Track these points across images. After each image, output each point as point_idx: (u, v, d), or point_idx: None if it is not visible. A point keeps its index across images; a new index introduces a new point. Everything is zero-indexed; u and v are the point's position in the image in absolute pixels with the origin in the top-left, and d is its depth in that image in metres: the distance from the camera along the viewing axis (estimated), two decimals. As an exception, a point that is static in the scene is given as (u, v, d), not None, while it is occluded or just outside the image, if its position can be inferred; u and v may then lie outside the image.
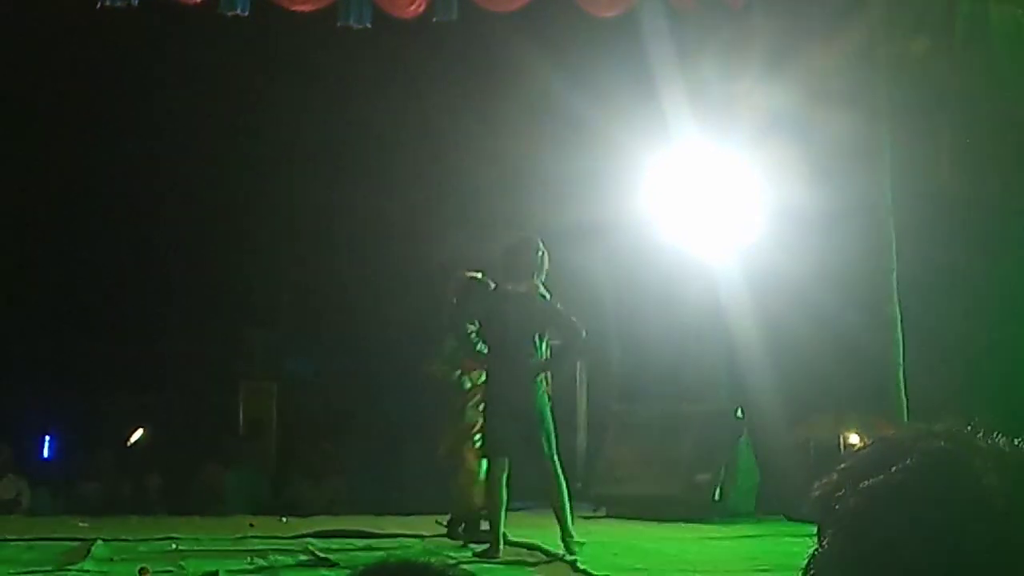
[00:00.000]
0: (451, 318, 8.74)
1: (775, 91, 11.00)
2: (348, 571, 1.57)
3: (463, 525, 9.00)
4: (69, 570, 7.45)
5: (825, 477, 1.28)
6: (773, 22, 11.20)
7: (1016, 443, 1.21)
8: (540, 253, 8.36)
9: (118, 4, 10.00)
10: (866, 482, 1.19)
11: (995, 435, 1.22)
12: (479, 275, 8.87)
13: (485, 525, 8.59)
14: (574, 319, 8.27)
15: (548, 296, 8.37)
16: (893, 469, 1.19)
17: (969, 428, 1.23)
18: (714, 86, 11.46)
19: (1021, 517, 1.13)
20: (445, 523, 9.21)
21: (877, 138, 10.46)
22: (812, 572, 1.22)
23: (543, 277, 8.37)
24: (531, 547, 8.37)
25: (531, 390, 8.17)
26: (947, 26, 10.84)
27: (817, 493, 1.26)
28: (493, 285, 8.71)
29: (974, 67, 10.89)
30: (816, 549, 1.23)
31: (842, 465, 1.27)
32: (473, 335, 8.49)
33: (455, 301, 8.83)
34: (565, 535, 8.15)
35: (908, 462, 1.19)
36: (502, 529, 8.24)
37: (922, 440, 1.21)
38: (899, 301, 10.14)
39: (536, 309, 8.23)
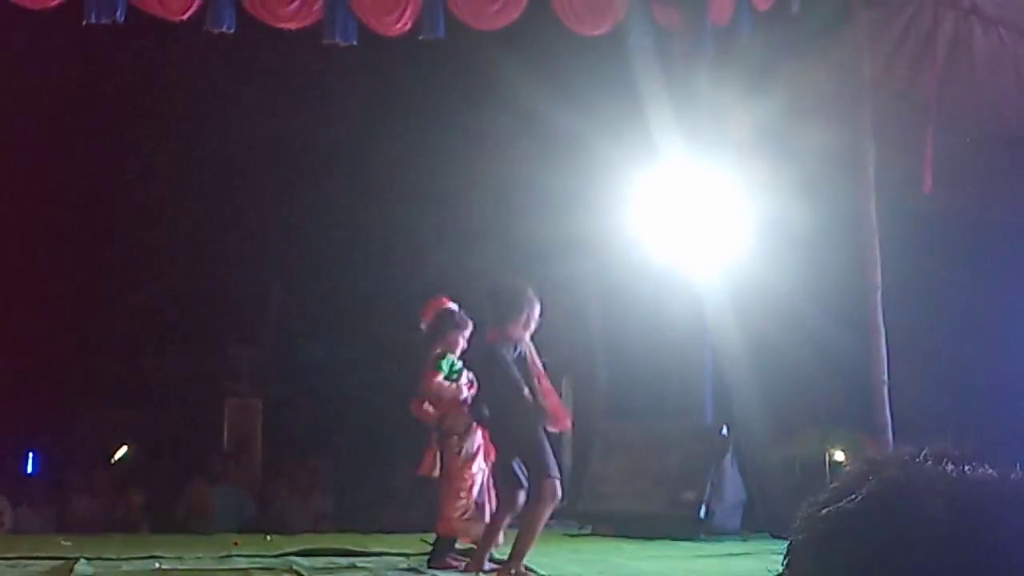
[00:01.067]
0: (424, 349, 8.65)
1: (761, 107, 11.04)
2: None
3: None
4: (51, 589, 7.40)
5: (812, 497, 1.30)
6: (759, 39, 11.23)
7: (964, 470, 1.24)
8: (522, 300, 8.17)
9: (103, 21, 9.99)
10: (824, 510, 1.23)
11: (945, 462, 1.25)
12: (455, 307, 8.73)
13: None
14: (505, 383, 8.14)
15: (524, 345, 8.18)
16: (848, 498, 1.23)
17: (921, 455, 1.26)
18: (700, 102, 11.49)
19: (964, 542, 1.16)
20: (431, 543, 9.14)
21: (862, 154, 10.50)
22: None
23: (524, 325, 8.20)
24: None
25: (510, 433, 8.13)
26: (931, 42, 10.89)
27: (803, 513, 1.28)
28: (469, 321, 8.62)
29: (958, 83, 10.93)
30: (779, 572, 1.25)
31: (832, 485, 1.28)
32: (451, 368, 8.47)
33: (422, 327, 8.70)
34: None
35: (863, 490, 1.22)
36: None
37: (877, 468, 1.25)
38: (885, 317, 10.15)
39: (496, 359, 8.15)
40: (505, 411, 8.10)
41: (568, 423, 8.48)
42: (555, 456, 8.22)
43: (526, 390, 7.98)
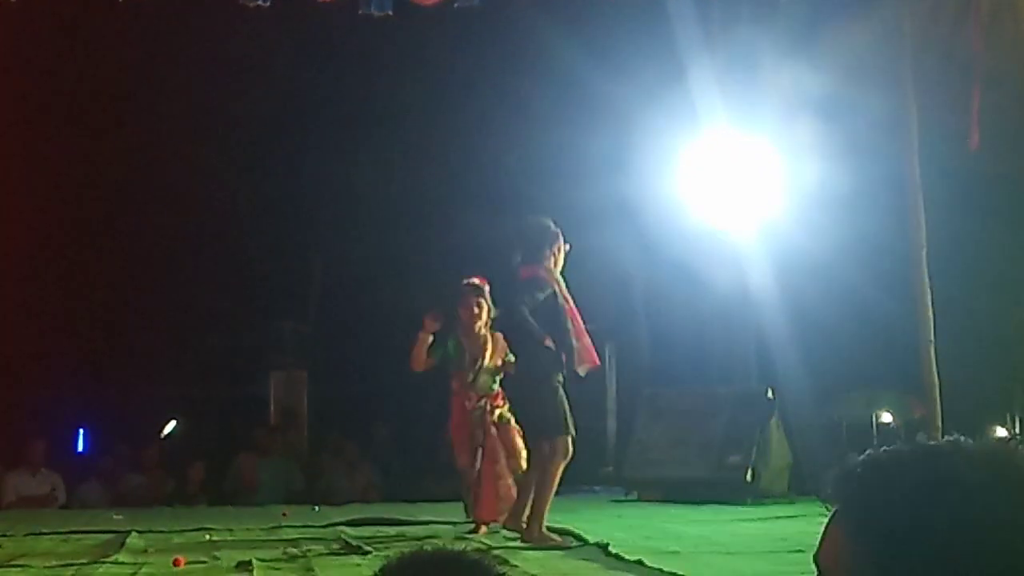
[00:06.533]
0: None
1: (802, 69, 10.94)
2: (380, 558, 1.57)
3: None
4: (104, 562, 7.48)
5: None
6: (798, 0, 11.13)
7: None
8: (548, 234, 8.25)
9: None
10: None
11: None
12: (476, 281, 8.81)
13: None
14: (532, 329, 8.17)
15: (554, 285, 8.24)
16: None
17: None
18: (741, 65, 11.40)
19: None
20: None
21: (905, 114, 10.39)
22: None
23: (557, 262, 8.26)
24: (563, 532, 8.35)
25: (540, 382, 8.16)
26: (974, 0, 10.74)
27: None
28: (487, 288, 8.67)
29: (1001, 41, 10.79)
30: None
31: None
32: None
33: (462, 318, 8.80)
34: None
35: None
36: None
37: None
38: (929, 278, 10.07)
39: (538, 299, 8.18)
40: (526, 364, 8.18)
41: (596, 360, 8.46)
42: (574, 415, 8.27)
43: (547, 339, 8.04)
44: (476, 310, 8.77)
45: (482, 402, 8.83)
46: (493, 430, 8.80)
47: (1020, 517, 1.18)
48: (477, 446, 8.80)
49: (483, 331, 8.81)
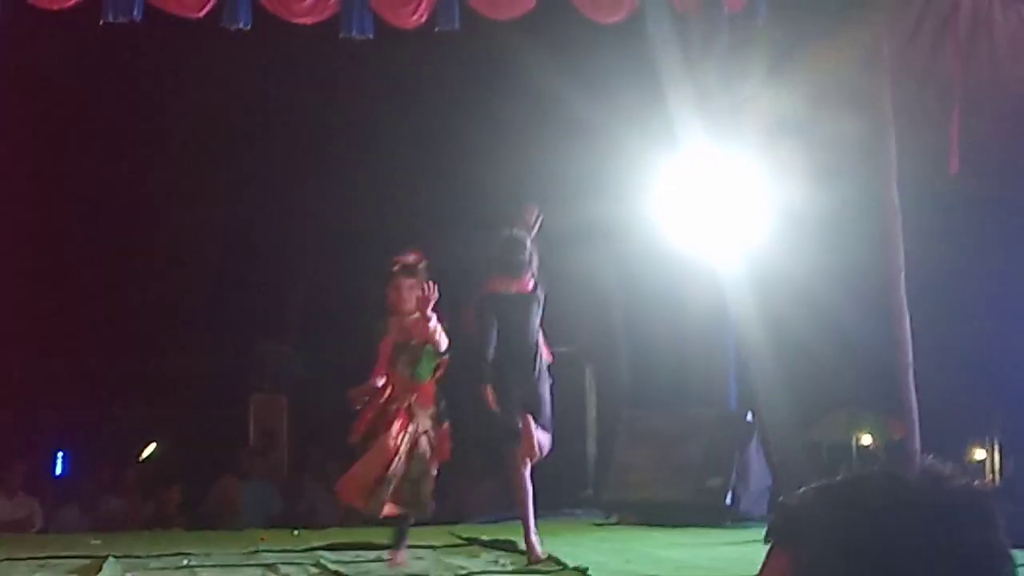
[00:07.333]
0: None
1: (780, 93, 10.98)
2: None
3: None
4: (80, 588, 7.44)
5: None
6: (776, 24, 11.18)
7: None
8: (528, 250, 8.33)
9: (121, 20, 10.04)
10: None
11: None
12: (410, 260, 8.48)
13: None
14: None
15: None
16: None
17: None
18: (719, 89, 11.44)
19: None
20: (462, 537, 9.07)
21: (883, 138, 10.43)
22: None
23: (535, 272, 8.36)
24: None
25: (539, 386, 8.23)
26: (952, 21, 10.81)
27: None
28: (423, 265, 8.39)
29: (979, 63, 10.85)
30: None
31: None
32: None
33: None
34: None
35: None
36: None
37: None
38: (908, 300, 10.10)
39: (536, 307, 8.25)
40: (528, 369, 8.23)
41: None
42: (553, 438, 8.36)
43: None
44: (404, 293, 8.21)
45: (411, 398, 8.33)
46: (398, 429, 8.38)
47: (947, 542, 1.23)
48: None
49: (418, 313, 8.13)
